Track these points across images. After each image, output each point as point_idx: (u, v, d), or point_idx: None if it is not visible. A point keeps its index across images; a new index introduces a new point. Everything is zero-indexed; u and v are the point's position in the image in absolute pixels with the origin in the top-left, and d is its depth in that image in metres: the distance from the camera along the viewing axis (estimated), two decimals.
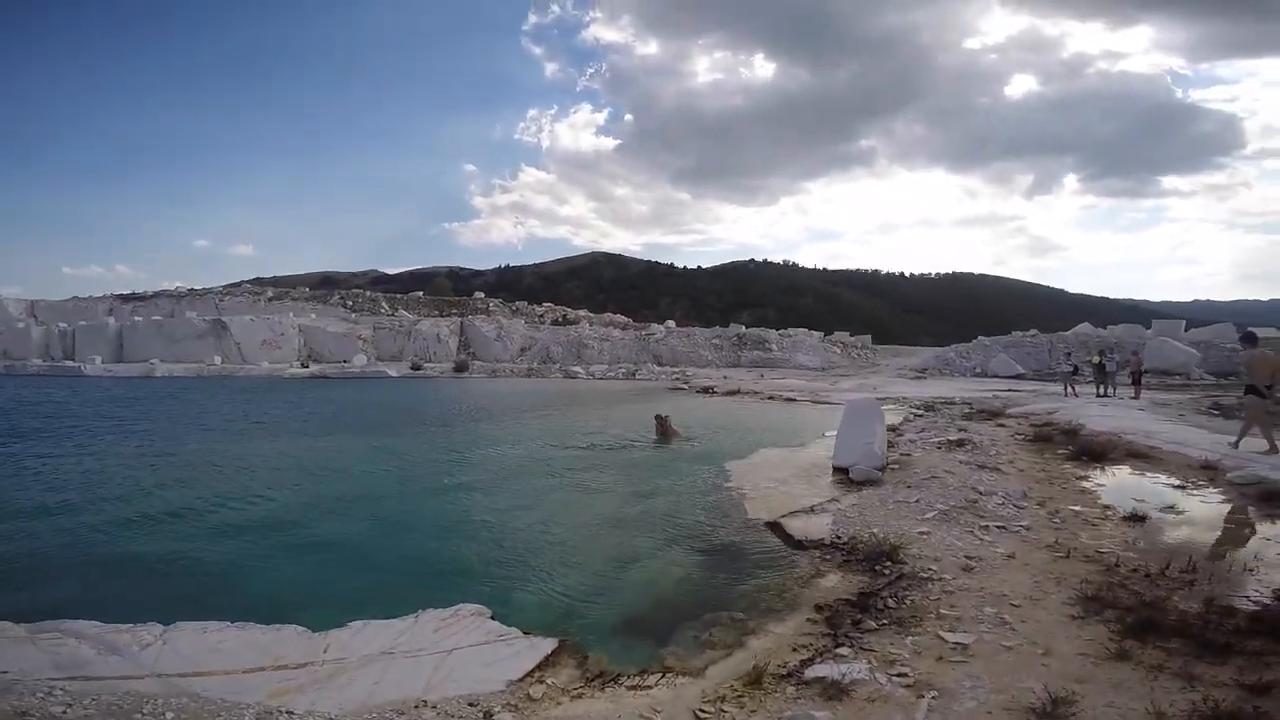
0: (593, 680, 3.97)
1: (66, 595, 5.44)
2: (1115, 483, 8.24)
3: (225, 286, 55.35)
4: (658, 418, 13.57)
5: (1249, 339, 9.97)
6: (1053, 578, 4.92)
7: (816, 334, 45.72)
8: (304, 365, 34.32)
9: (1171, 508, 6.90)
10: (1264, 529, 6.14)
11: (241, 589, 5.67)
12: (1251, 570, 4.90)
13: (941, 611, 4.41)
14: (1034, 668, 3.64)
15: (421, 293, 55.98)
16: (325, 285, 72.62)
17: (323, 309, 44.37)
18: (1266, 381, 8.92)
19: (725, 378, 30.19)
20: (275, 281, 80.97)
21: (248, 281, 70.06)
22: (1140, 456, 9.47)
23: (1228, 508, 6.91)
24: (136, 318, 39.09)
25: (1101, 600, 4.36)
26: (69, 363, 33.63)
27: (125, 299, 46.47)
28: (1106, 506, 6.94)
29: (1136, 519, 6.37)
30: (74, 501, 8.44)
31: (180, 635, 4.37)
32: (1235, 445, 9.17)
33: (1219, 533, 6.18)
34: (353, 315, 43.40)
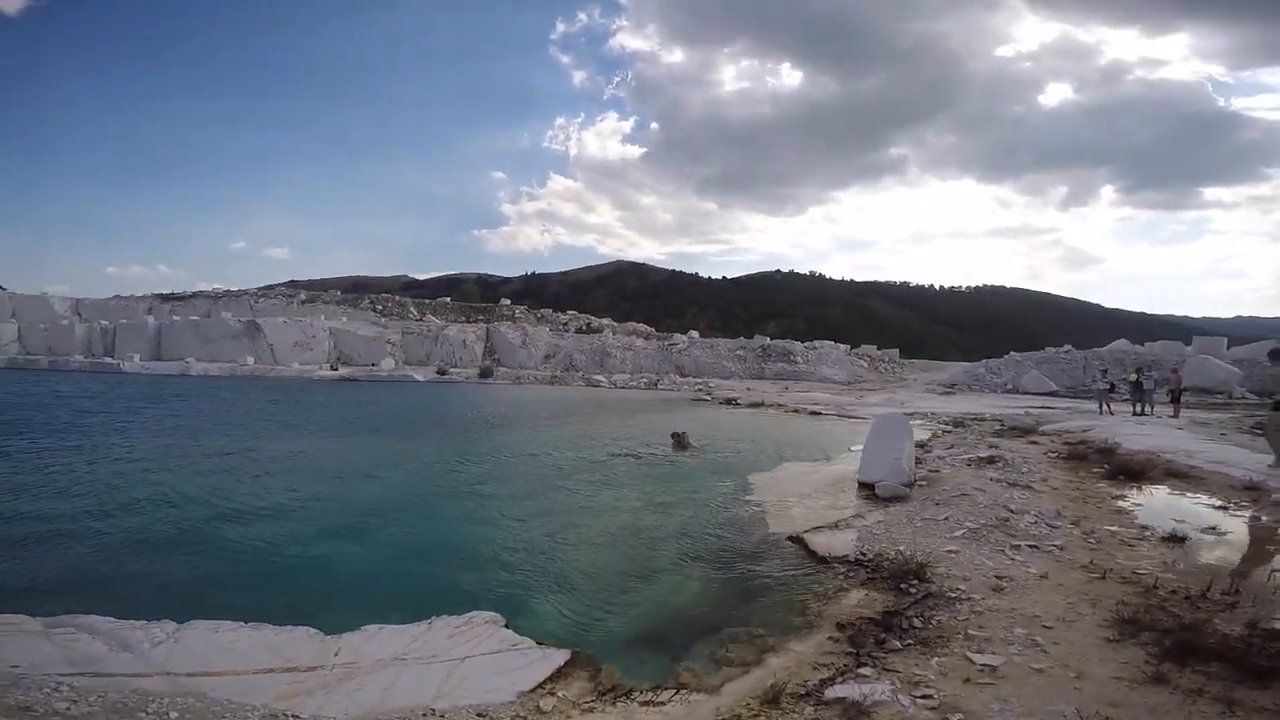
0: (605, 694, 3.89)
1: (84, 590, 5.50)
2: (1153, 502, 7.93)
3: (260, 289, 56.74)
4: (675, 436, 13.58)
5: (1277, 355, 9.43)
6: (1087, 599, 4.71)
7: (843, 346, 45.18)
8: (333, 368, 34.94)
9: (1213, 529, 6.62)
10: None
11: (257, 588, 5.69)
12: None
13: (970, 632, 4.24)
14: (1066, 691, 3.46)
15: (449, 298, 56.72)
16: (356, 289, 73.97)
17: (353, 313, 45.21)
18: None
19: (749, 390, 29.97)
20: (308, 284, 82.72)
21: (282, 284, 71.74)
22: (1180, 476, 9.11)
23: (1272, 529, 6.59)
24: (175, 317, 40.28)
25: (1138, 622, 4.15)
26: (109, 359, 34.73)
27: (165, 298, 47.95)
28: (1144, 527, 6.67)
29: (1176, 540, 6.11)
30: (97, 497, 8.59)
31: (193, 634, 4.39)
32: (1277, 465, 8.96)
33: (1262, 555, 5.87)
34: (382, 320, 44.13)
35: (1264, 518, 7.00)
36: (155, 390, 24.31)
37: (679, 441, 13.34)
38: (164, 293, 50.25)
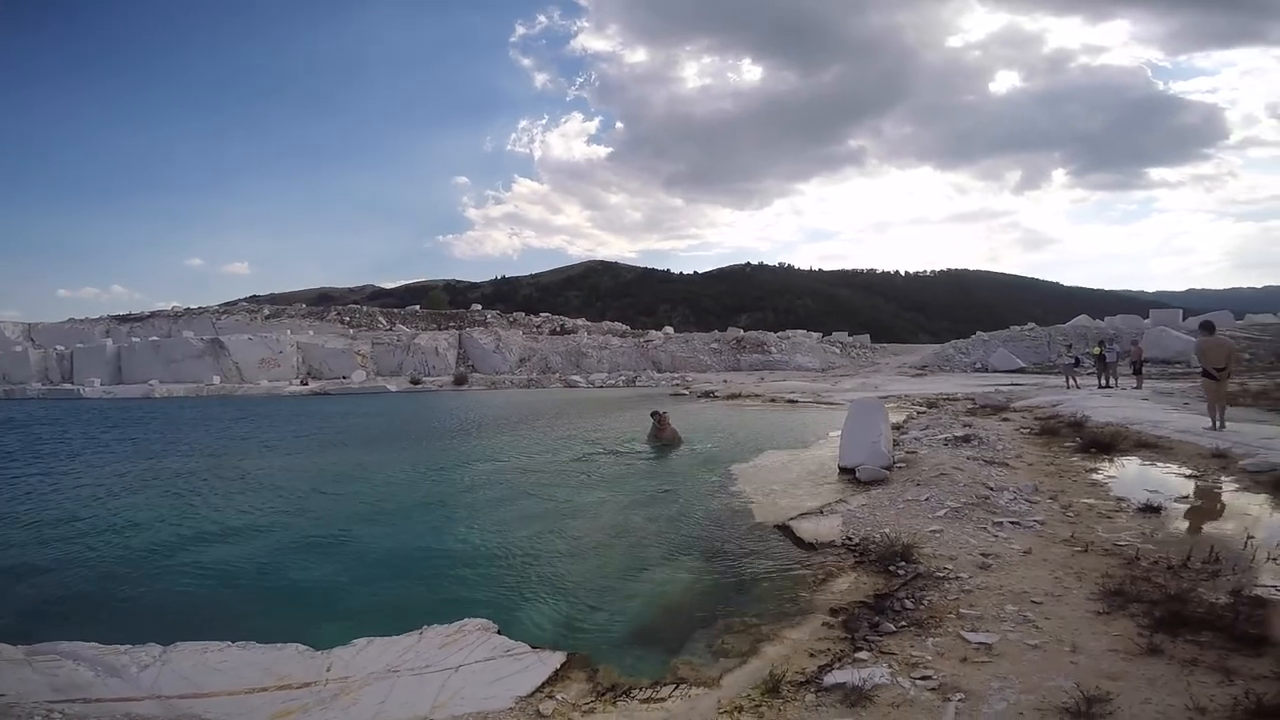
0: (604, 694, 3.85)
1: (64, 615, 5.37)
2: (1126, 474, 8.14)
3: (221, 305, 55.33)
4: (655, 414, 13.01)
5: (1206, 327, 10.68)
6: (1073, 573, 4.81)
7: (815, 335, 45.74)
8: (303, 382, 34.21)
9: (1186, 498, 6.81)
10: None
11: (241, 607, 5.55)
12: (1276, 559, 4.78)
13: (961, 611, 4.29)
14: (1063, 666, 3.52)
15: (419, 306, 55.91)
16: (322, 302, 72.67)
17: (320, 325, 44.30)
18: (1220, 365, 9.77)
19: (725, 382, 30.14)
20: (272, 299, 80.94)
21: (244, 300, 69.99)
22: (1149, 446, 9.39)
23: (1243, 496, 6.80)
24: (134, 339, 38.99)
25: (1125, 594, 4.24)
26: (68, 385, 33.51)
27: (122, 320, 46.38)
28: (1120, 498, 6.83)
29: (1152, 510, 6.26)
30: (69, 522, 8.31)
31: (180, 655, 4.27)
32: (1216, 427, 9.72)
33: (1237, 522, 6.06)
34: (350, 331, 43.30)
35: (1233, 483, 7.23)
36: (119, 415, 23.52)
37: (660, 425, 12.67)
38: (120, 314, 48.64)
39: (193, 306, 50.02)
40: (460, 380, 34.99)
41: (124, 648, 4.34)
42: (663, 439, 12.66)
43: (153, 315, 47.46)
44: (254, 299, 76.79)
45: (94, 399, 30.39)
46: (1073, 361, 21.37)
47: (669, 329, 50.59)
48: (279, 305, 54.72)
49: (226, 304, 58.78)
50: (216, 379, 33.70)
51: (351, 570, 6.47)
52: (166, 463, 12.91)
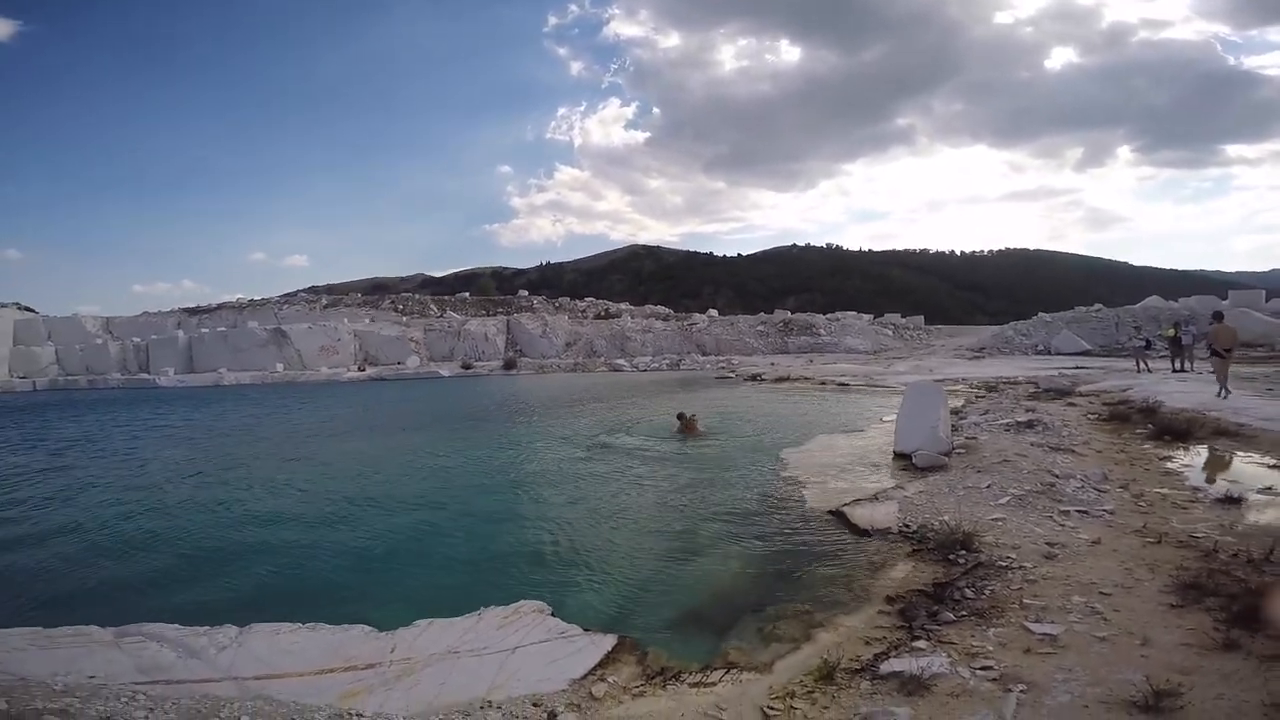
0: (654, 678, 3.89)
1: (147, 598, 5.69)
2: (1203, 463, 7.70)
3: (282, 296, 57.63)
4: (681, 416, 12.67)
5: (1218, 316, 13.74)
6: (1145, 564, 4.59)
7: (866, 316, 44.58)
8: (361, 369, 35.43)
9: (1269, 489, 6.39)
10: None
11: (309, 589, 5.81)
12: None
13: (1025, 601, 4.16)
14: (1132, 659, 3.38)
15: (468, 294, 57.00)
16: (376, 290, 74.83)
17: (375, 314, 45.67)
18: (1227, 346, 12.08)
19: (773, 364, 29.75)
20: (329, 289, 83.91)
21: (303, 290, 72.88)
22: (1228, 434, 8.86)
23: None
24: (203, 330, 41.06)
25: (1201, 587, 4.03)
26: (144, 375, 35.61)
27: (191, 312, 48.85)
28: (1196, 488, 6.50)
29: (1231, 501, 5.91)
30: (150, 507, 8.85)
31: (254, 637, 4.48)
32: (1223, 395, 11.56)
33: None
34: (404, 319, 44.51)
35: None
36: (192, 402, 24.89)
37: (686, 425, 12.40)
38: (190, 306, 51.16)
39: (256, 298, 52.32)
40: (509, 365, 35.63)
41: (203, 629, 4.56)
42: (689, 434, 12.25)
43: (219, 307, 49.86)
44: (313, 289, 79.85)
45: (169, 387, 32.26)
46: (1143, 344, 20.19)
47: (713, 312, 50.11)
48: (336, 295, 56.75)
49: (287, 295, 61.28)
50: (280, 366, 35.25)
51: (413, 551, 6.70)
52: (240, 448, 13.61)
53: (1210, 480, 6.76)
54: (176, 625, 4.60)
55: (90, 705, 3.11)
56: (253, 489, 9.65)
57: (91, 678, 3.78)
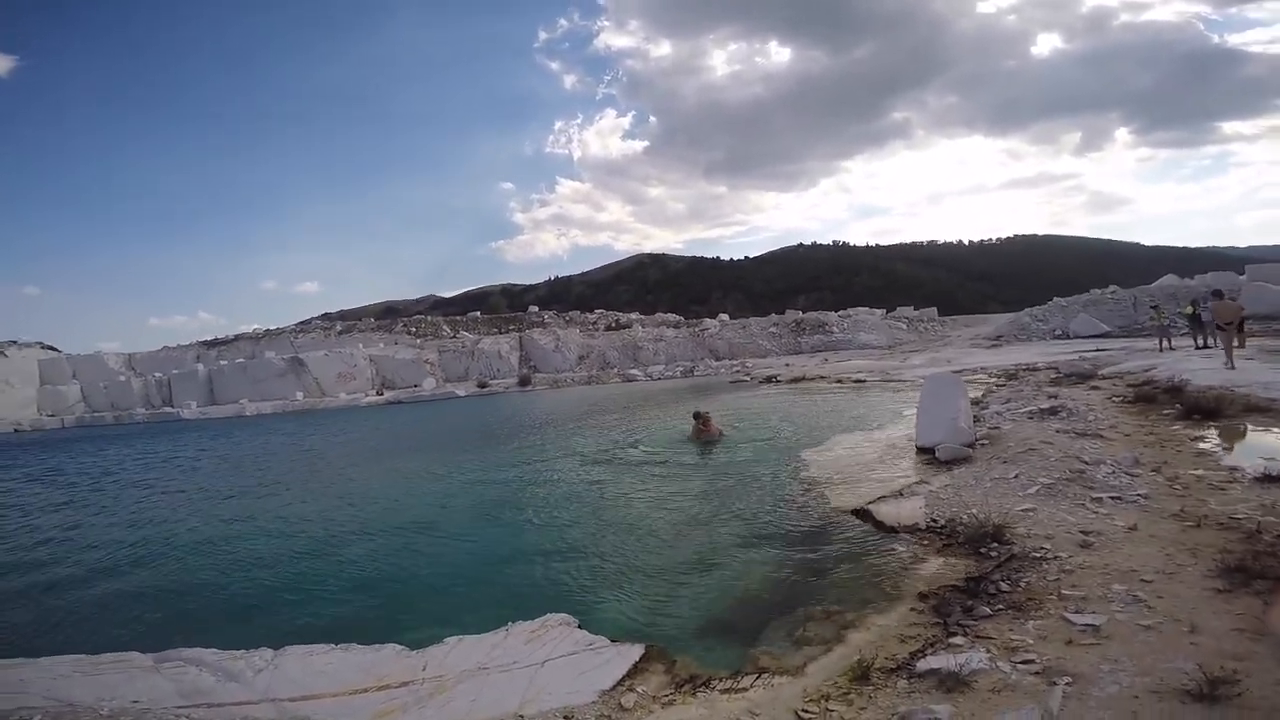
0: (683, 685, 3.85)
1: (184, 623, 5.79)
2: (1236, 441, 7.51)
3: (297, 324, 58.43)
4: (697, 415, 12.36)
5: (1218, 294, 15.42)
6: (1185, 549, 4.47)
7: (878, 311, 44.28)
8: (379, 393, 35.72)
9: None
10: None
11: (340, 610, 5.84)
12: None
13: (1063, 592, 4.06)
14: (1181, 647, 3.28)
15: (479, 313, 57.45)
16: (388, 314, 75.58)
17: (389, 337, 46.14)
18: (1229, 320, 13.00)
19: (787, 365, 29.58)
20: (342, 315, 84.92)
21: (317, 318, 73.71)
22: (1261, 410, 8.62)
23: None
24: (222, 362, 41.71)
25: (1248, 570, 3.90)
26: (168, 409, 36.19)
27: (209, 345, 49.68)
28: (1232, 468, 6.29)
29: (1271, 479, 5.72)
30: (180, 535, 8.95)
31: (289, 659, 4.53)
32: (1229, 366, 12.19)
33: None
34: (418, 341, 44.90)
35: None
36: (215, 434, 25.23)
37: (703, 424, 12.06)
38: (208, 339, 52.07)
39: (272, 328, 53.16)
40: (524, 381, 35.74)
41: (240, 652, 4.64)
42: (705, 438, 11.97)
43: (237, 338, 50.67)
44: (325, 316, 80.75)
45: (193, 419, 32.75)
46: (1168, 322, 19.89)
47: (724, 316, 50.04)
48: (349, 321, 57.39)
49: (301, 323, 62.07)
50: (300, 395, 35.64)
51: (438, 569, 6.71)
52: (263, 475, 13.75)
53: (1246, 459, 6.56)
54: (214, 649, 4.68)
55: None
56: (279, 514, 9.73)
57: (135, 702, 3.85)
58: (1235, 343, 17.41)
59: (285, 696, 4.05)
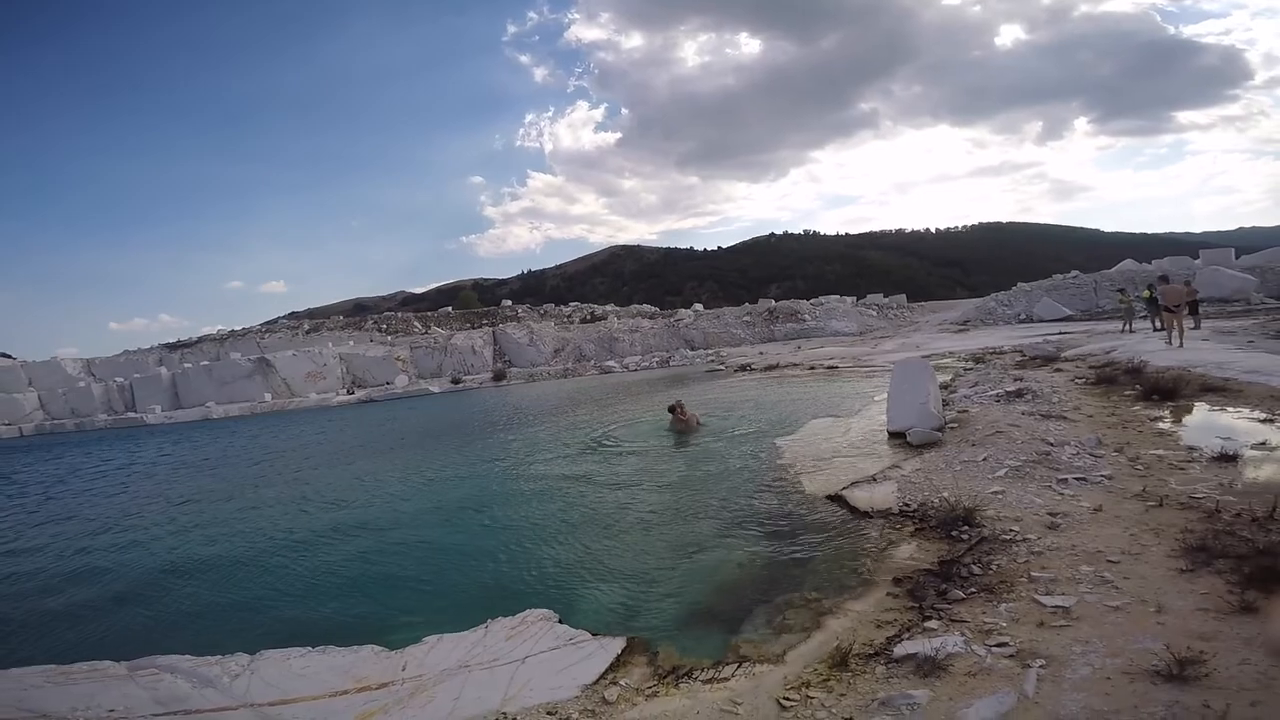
0: (666, 677, 3.87)
1: (157, 630, 5.67)
2: (1194, 421, 7.78)
3: (263, 324, 56.91)
4: (672, 408, 12.37)
5: (1164, 279, 17.48)
6: (1149, 529, 4.60)
7: (849, 299, 44.81)
8: (349, 391, 35.06)
9: (1263, 443, 6.42)
10: None
11: (315, 612, 5.75)
12: None
13: (1033, 574, 4.16)
14: (1149, 627, 3.37)
15: (451, 308, 56.62)
16: (358, 312, 74.30)
17: (359, 335, 45.24)
18: (1175, 303, 14.29)
19: (761, 353, 29.79)
20: (310, 314, 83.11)
21: (284, 317, 71.96)
22: (1216, 390, 8.93)
23: None
24: (186, 364, 40.46)
25: (1210, 550, 4.03)
26: (131, 414, 35.02)
27: (172, 347, 48.13)
28: (1191, 447, 6.51)
29: (1227, 458, 5.94)
30: (151, 541, 8.74)
31: (266, 663, 4.46)
32: (1175, 345, 13.59)
33: None
34: (388, 338, 44.13)
35: None
36: (179, 438, 24.55)
37: (679, 415, 12.09)
38: (170, 341, 50.32)
39: (237, 328, 51.67)
40: (499, 376, 35.40)
41: (215, 658, 4.55)
42: (682, 429, 12.09)
43: (200, 340, 49.13)
44: (293, 315, 78.94)
45: (157, 424, 31.75)
46: (1136, 307, 20.55)
47: (698, 306, 50.14)
48: (317, 319, 56.09)
49: (268, 323, 60.49)
50: (268, 396, 34.78)
51: (415, 568, 6.63)
52: (233, 477, 13.42)
53: (1204, 439, 6.79)
54: (189, 656, 4.59)
55: None
56: (250, 518, 9.53)
57: (111, 711, 3.79)
58: (1190, 324, 18.19)
59: (263, 701, 3.98)
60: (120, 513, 10.90)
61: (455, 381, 35.51)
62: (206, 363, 39.97)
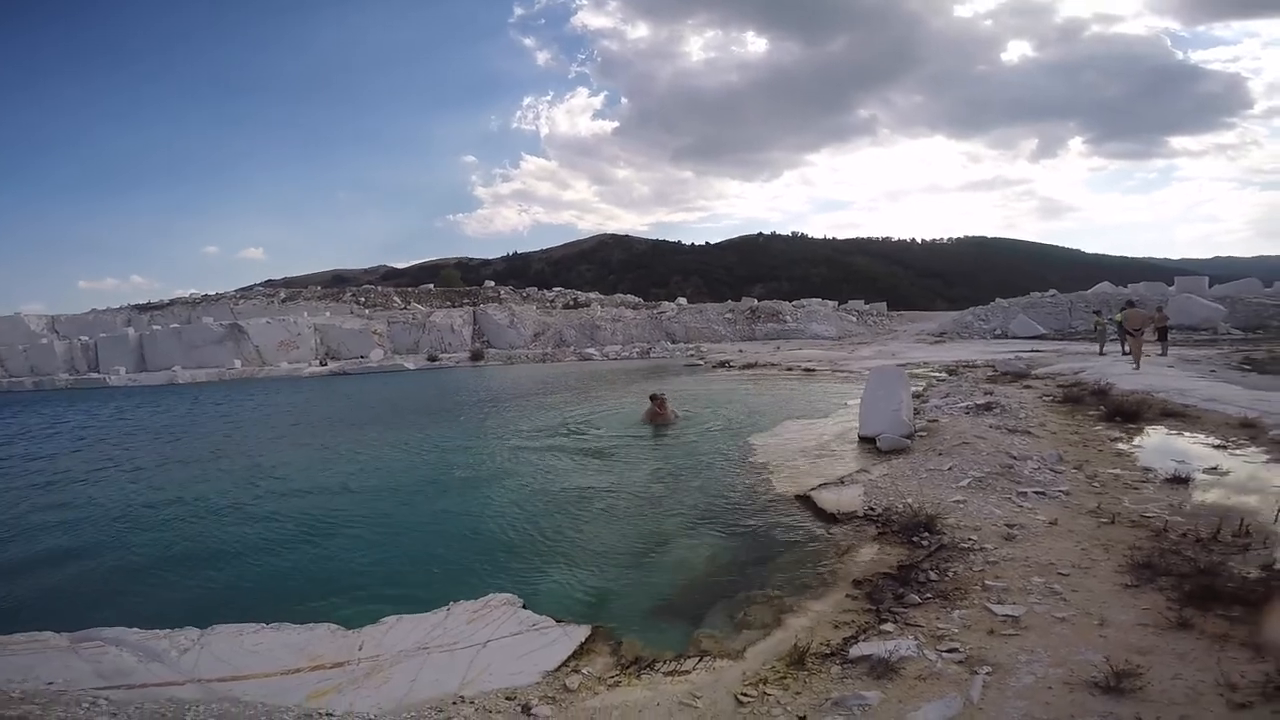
0: (628, 667, 3.90)
1: (102, 603, 5.51)
2: (1152, 443, 8.01)
3: (238, 290, 55.67)
4: (653, 397, 12.30)
5: (1129, 304, 18.16)
6: (1100, 544, 4.75)
7: (831, 303, 45.21)
8: (322, 363, 34.55)
9: (1214, 469, 6.66)
10: None
11: (272, 588, 5.67)
12: None
13: (987, 583, 4.27)
14: (1091, 639, 3.49)
15: (432, 285, 55.97)
16: (337, 283, 73.01)
17: (336, 307, 44.54)
18: (1137, 327, 15.32)
19: (740, 351, 29.96)
20: (287, 283, 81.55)
21: (260, 284, 70.58)
22: (1176, 415, 9.21)
23: (1273, 467, 6.66)
24: (155, 327, 39.49)
25: (1154, 567, 4.18)
26: (94, 375, 34.10)
27: (142, 309, 46.91)
28: (1146, 469, 6.73)
29: (1179, 481, 6.16)
30: (102, 507, 8.54)
31: (217, 638, 4.38)
32: (1136, 368, 14.07)
33: (1267, 494, 5.94)
34: (366, 311, 43.51)
35: (1263, 454, 7.09)
36: (141, 402, 23.98)
37: (658, 408, 12.02)
38: (140, 303, 48.98)
39: (210, 293, 50.39)
40: (476, 356, 35.14)
41: (163, 632, 4.44)
42: (659, 422, 12.00)
43: (172, 303, 47.93)
44: (269, 283, 77.43)
45: (120, 387, 30.94)
46: (1109, 330, 21.06)
47: (682, 300, 50.26)
48: (294, 288, 54.97)
49: (243, 289, 59.20)
50: (238, 363, 34.12)
51: (377, 548, 6.57)
52: (192, 446, 13.17)
53: (1159, 461, 7.02)
54: (136, 629, 4.48)
55: (50, 711, 3.01)
56: (207, 487, 9.36)
57: (50, 684, 3.67)
58: (1158, 350, 18.74)
59: (212, 677, 3.91)
60: (68, 479, 10.61)
61: (432, 359, 35.17)
62: (176, 326, 39.05)
